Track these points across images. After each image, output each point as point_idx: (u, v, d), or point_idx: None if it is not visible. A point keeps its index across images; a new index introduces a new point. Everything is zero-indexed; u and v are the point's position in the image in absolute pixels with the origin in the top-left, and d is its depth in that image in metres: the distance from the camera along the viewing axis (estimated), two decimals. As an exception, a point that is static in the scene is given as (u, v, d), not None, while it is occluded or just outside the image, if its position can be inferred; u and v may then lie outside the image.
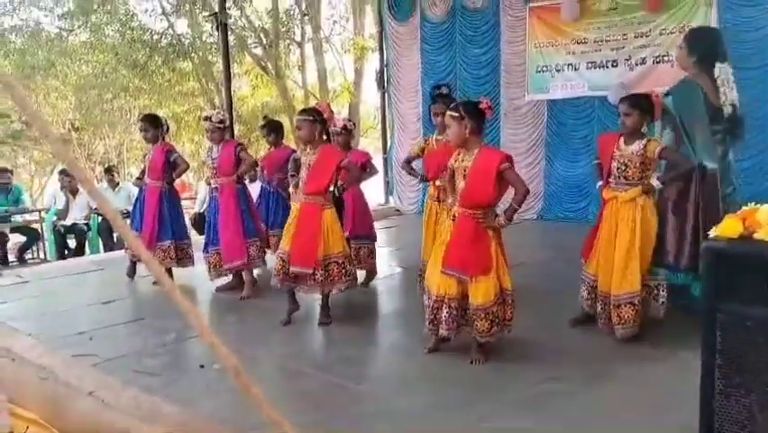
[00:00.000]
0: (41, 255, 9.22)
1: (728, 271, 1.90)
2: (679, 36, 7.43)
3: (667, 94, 4.24)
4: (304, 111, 4.52)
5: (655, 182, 3.81)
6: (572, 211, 8.51)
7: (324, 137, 4.48)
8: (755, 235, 1.93)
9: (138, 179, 6.08)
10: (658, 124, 4.25)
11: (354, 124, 5.52)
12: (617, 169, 3.84)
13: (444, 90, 4.86)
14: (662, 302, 3.89)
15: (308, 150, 4.39)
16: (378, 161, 9.48)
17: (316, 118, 4.34)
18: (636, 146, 3.77)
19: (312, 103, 16.12)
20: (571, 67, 8.36)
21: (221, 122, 5.26)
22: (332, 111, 4.53)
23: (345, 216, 5.10)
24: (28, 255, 9.16)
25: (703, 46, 4.14)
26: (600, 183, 4.02)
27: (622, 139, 3.86)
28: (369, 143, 17.43)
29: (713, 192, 3.96)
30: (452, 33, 9.33)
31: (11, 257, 8.87)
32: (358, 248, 5.31)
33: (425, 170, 4.79)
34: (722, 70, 4.02)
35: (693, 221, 3.96)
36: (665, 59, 7.62)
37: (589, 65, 8.22)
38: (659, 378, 3.40)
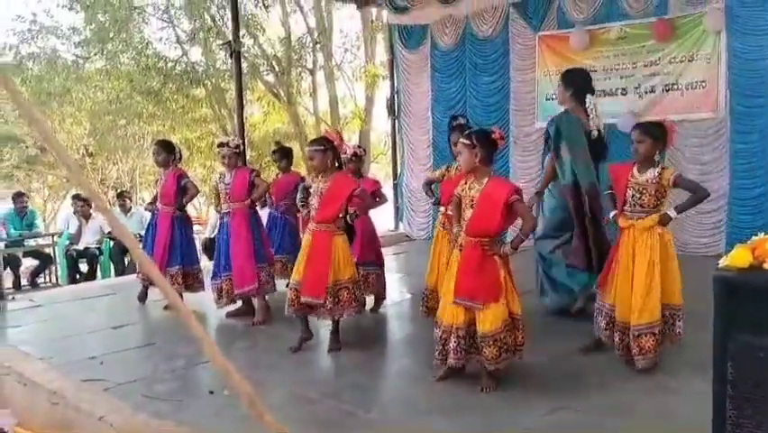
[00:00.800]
0: (53, 279, 9.30)
1: (739, 301, 1.89)
2: (689, 64, 7.51)
3: (550, 124, 4.90)
4: (315, 141, 4.55)
5: (672, 213, 3.80)
6: (583, 238, 8.47)
7: (337, 164, 4.53)
8: (765, 265, 1.93)
9: (150, 204, 6.14)
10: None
11: (365, 151, 5.58)
12: (632, 197, 3.83)
13: (461, 120, 4.94)
14: (678, 332, 3.87)
15: (320, 178, 4.43)
16: (388, 188, 9.53)
17: (327, 147, 4.38)
18: (650, 174, 3.77)
19: (323, 129, 16.26)
20: (580, 95, 8.40)
21: (237, 147, 5.33)
22: (342, 138, 4.58)
23: (354, 243, 5.13)
24: (40, 279, 9.25)
25: (576, 83, 4.87)
26: (614, 213, 4.00)
27: (635, 168, 3.86)
28: (379, 169, 17.51)
29: (595, 204, 4.61)
30: (462, 61, 9.41)
31: (23, 281, 8.94)
32: (366, 274, 5.33)
33: (440, 195, 4.88)
34: (591, 101, 4.78)
35: (583, 229, 4.73)
36: (675, 87, 7.65)
37: (599, 93, 8.22)
38: (672, 407, 3.36)
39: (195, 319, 1.05)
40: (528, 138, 8.90)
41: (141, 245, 6.05)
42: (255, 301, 5.39)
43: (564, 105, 4.89)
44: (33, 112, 1.10)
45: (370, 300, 5.40)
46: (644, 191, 3.79)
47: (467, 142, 3.63)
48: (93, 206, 9.43)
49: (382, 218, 9.10)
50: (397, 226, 10.52)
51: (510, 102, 9.01)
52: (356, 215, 4.49)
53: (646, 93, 7.86)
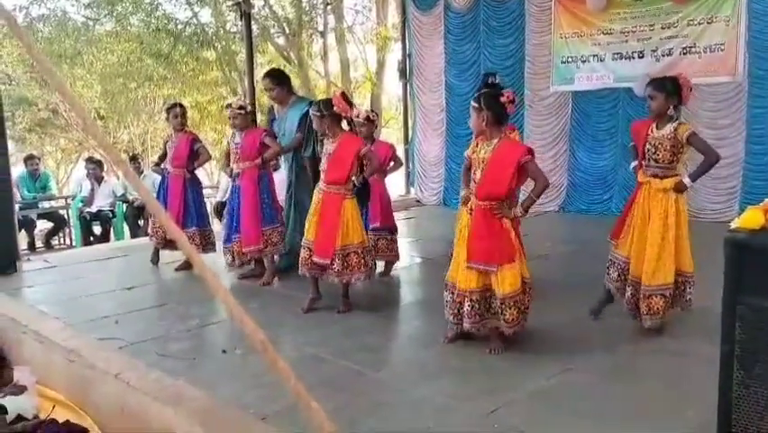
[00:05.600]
0: (68, 241, 9.40)
1: (749, 262, 1.89)
2: (707, 26, 7.35)
3: (304, 114, 5.35)
4: (314, 104, 4.64)
5: (687, 180, 3.77)
6: (595, 203, 8.44)
7: (348, 127, 4.51)
8: (777, 228, 1.92)
9: (156, 165, 6.16)
10: None
11: (377, 115, 5.53)
12: (649, 151, 3.85)
13: (491, 80, 4.60)
14: (689, 299, 3.88)
15: (329, 140, 4.44)
16: (399, 152, 9.47)
17: (324, 113, 4.38)
18: (667, 129, 3.78)
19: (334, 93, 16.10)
20: (596, 58, 8.27)
21: (241, 108, 5.30)
22: (346, 102, 4.44)
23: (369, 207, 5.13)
24: (54, 241, 9.35)
25: (289, 83, 5.69)
26: (635, 163, 4.02)
27: (655, 124, 3.87)
28: (390, 134, 17.40)
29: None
30: (477, 24, 9.26)
31: (38, 243, 9.05)
32: (377, 239, 5.33)
33: None
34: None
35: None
36: (693, 50, 7.51)
37: (615, 56, 8.13)
38: (679, 371, 3.39)
39: (210, 272, 1.06)
40: (543, 102, 8.80)
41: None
42: (266, 262, 5.43)
43: (283, 103, 5.59)
44: (53, 71, 1.10)
45: (380, 265, 5.43)
46: (660, 146, 3.79)
47: (475, 104, 3.61)
48: (105, 168, 9.49)
49: (394, 183, 9.09)
50: (408, 191, 10.52)
51: (525, 65, 8.89)
52: (363, 177, 4.46)
53: (663, 56, 7.72)
